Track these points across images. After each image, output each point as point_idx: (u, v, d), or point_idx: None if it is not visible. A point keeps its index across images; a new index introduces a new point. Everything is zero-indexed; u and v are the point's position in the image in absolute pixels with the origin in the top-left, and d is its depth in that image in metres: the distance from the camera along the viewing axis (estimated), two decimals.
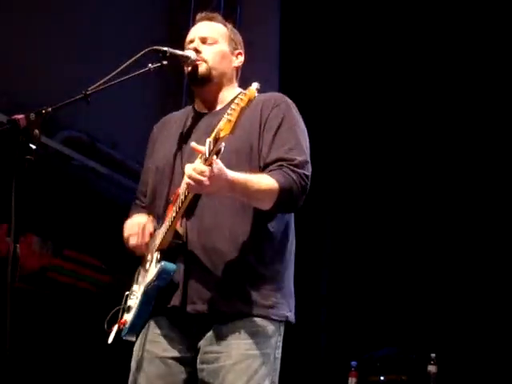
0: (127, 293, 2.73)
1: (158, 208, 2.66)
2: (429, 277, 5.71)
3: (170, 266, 2.50)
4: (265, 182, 2.43)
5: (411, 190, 5.96)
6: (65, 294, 5.38)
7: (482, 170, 5.71)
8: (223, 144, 2.25)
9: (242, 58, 2.80)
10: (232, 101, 2.59)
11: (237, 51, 2.78)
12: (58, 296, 5.32)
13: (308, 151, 2.61)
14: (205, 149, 2.26)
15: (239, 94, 2.26)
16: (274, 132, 2.57)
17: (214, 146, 2.23)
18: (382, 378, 5.19)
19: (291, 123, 2.62)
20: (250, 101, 2.21)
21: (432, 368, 4.89)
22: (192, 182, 2.27)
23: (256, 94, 2.22)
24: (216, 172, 2.27)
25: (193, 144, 2.32)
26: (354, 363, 5.22)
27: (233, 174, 2.34)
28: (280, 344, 2.58)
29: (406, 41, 6.00)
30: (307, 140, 2.65)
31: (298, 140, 2.59)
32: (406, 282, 5.75)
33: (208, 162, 2.26)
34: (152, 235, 2.65)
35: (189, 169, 2.27)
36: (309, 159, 2.58)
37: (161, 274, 2.49)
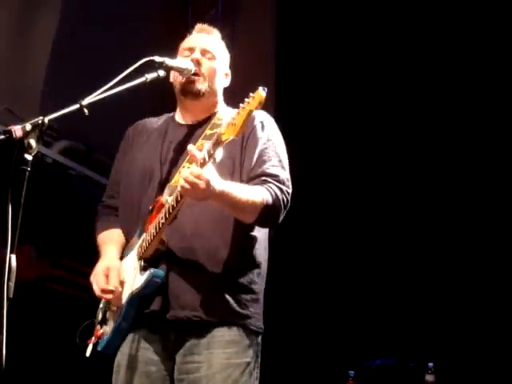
0: (101, 305, 2.70)
1: (134, 217, 2.65)
2: (426, 285, 5.70)
3: (159, 272, 2.50)
4: (250, 194, 2.46)
5: (409, 194, 5.95)
6: (62, 304, 5.37)
7: (477, 172, 5.70)
8: (221, 151, 2.25)
9: (229, 79, 2.85)
10: (214, 115, 2.69)
11: (226, 71, 2.83)
12: (55, 306, 5.31)
13: (288, 169, 2.66)
14: (203, 152, 2.26)
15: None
16: (257, 148, 2.61)
17: (214, 151, 2.25)
18: None
19: (273, 140, 2.66)
20: (259, 104, 2.22)
21: (430, 377, 4.88)
22: (188, 186, 2.27)
23: (264, 99, 2.21)
24: (211, 177, 2.28)
25: (190, 147, 2.33)
26: (351, 372, 5.22)
27: (222, 183, 2.37)
28: (259, 354, 2.61)
29: (401, 44, 6.00)
30: (287, 158, 2.70)
31: (279, 157, 2.64)
32: (404, 291, 5.73)
33: (204, 166, 2.27)
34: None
35: (186, 172, 2.28)
36: (289, 177, 2.63)
37: (150, 281, 2.48)
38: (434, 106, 5.92)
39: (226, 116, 2.58)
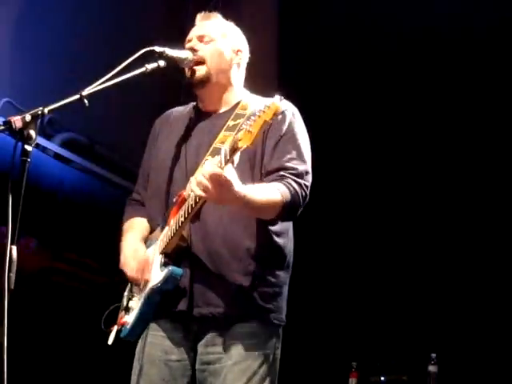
0: (126, 293, 2.73)
1: (158, 207, 2.66)
2: (429, 276, 5.70)
3: (178, 270, 2.51)
4: (269, 195, 2.43)
5: (408, 194, 5.95)
6: (64, 297, 5.37)
7: (476, 173, 5.70)
8: (238, 154, 2.24)
9: (242, 55, 2.76)
10: (237, 105, 2.65)
11: (236, 48, 2.74)
12: (58, 298, 5.31)
13: (309, 161, 2.61)
14: (220, 157, 2.25)
15: (258, 107, 2.21)
16: (277, 140, 2.57)
17: (230, 156, 2.23)
18: (382, 378, 5.18)
19: (294, 132, 2.61)
20: (274, 115, 2.20)
21: (432, 368, 4.88)
22: (203, 189, 2.25)
23: (280, 109, 2.19)
24: (228, 180, 2.26)
25: (207, 160, 2.35)
26: (354, 363, 5.22)
27: (240, 187, 2.32)
28: (279, 345, 2.61)
29: (403, 48, 5.99)
30: (309, 150, 2.64)
31: (299, 150, 2.59)
32: (407, 282, 5.74)
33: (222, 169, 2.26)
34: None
35: (201, 175, 2.26)
36: (310, 169, 2.59)
37: (168, 278, 2.50)
38: (435, 100, 5.92)
39: (250, 106, 2.57)
